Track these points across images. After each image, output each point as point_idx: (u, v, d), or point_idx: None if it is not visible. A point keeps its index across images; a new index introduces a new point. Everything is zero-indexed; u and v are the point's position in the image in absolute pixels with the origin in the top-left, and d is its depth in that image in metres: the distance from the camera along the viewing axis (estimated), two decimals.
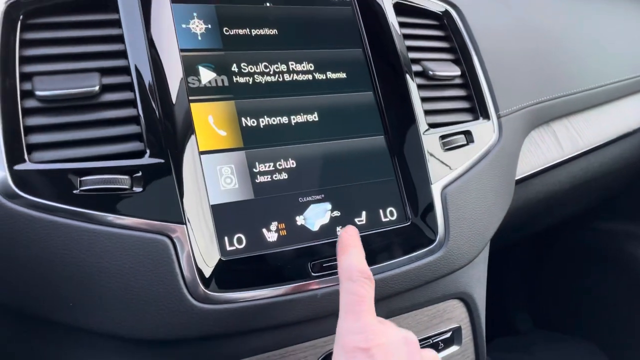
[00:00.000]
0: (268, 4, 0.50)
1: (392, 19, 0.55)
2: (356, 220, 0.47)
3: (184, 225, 0.40)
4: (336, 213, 0.47)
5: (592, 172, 0.79)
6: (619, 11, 0.88)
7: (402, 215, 0.49)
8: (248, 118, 0.46)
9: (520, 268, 1.23)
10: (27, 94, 0.40)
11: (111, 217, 0.39)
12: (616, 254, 1.04)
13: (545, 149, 0.68)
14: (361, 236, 0.46)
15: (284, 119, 0.47)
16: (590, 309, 1.09)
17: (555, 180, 0.72)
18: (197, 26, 0.46)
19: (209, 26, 0.47)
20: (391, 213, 0.49)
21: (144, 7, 0.44)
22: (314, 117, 0.49)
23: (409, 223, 0.49)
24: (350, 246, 0.42)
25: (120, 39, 0.43)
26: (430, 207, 0.50)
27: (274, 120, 0.47)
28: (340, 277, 0.40)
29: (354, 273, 0.39)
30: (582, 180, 0.78)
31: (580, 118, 0.74)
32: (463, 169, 0.53)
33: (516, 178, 0.62)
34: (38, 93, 0.40)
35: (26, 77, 0.41)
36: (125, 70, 0.43)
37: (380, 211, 0.49)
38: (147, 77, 0.42)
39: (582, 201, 0.96)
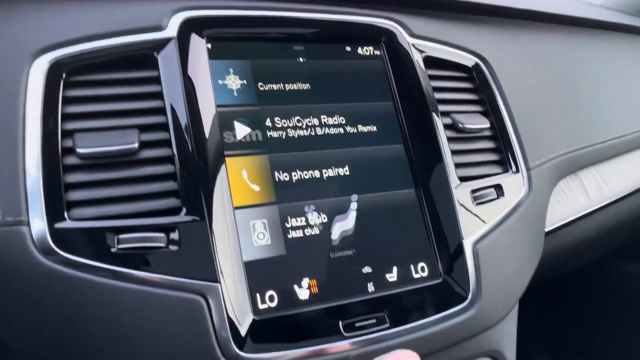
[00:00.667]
0: (301, 59, 0.51)
1: (422, 72, 0.55)
2: (387, 276, 0.47)
3: (218, 284, 0.40)
4: (367, 269, 0.46)
5: (618, 220, 0.78)
6: None
7: (433, 271, 0.49)
8: (281, 172, 0.46)
9: (539, 308, 1.21)
10: (68, 151, 0.41)
11: (147, 276, 0.39)
12: (635, 295, 1.02)
13: (574, 199, 0.67)
14: (392, 294, 0.45)
15: (316, 173, 0.48)
16: (610, 351, 1.06)
17: (583, 229, 0.71)
18: (233, 82, 0.47)
19: (245, 82, 0.48)
20: (422, 269, 0.48)
21: (183, 64, 0.45)
22: (345, 170, 0.49)
23: (440, 280, 0.48)
24: None
25: (159, 95, 0.44)
26: (462, 263, 0.49)
27: (306, 175, 0.47)
28: None
29: None
30: (609, 229, 0.77)
31: (606, 166, 0.74)
32: (494, 223, 0.53)
33: (545, 230, 0.61)
34: (79, 150, 0.40)
35: (68, 134, 0.41)
36: (164, 127, 0.43)
37: (412, 267, 0.48)
38: (185, 134, 0.43)
39: (607, 246, 0.95)
